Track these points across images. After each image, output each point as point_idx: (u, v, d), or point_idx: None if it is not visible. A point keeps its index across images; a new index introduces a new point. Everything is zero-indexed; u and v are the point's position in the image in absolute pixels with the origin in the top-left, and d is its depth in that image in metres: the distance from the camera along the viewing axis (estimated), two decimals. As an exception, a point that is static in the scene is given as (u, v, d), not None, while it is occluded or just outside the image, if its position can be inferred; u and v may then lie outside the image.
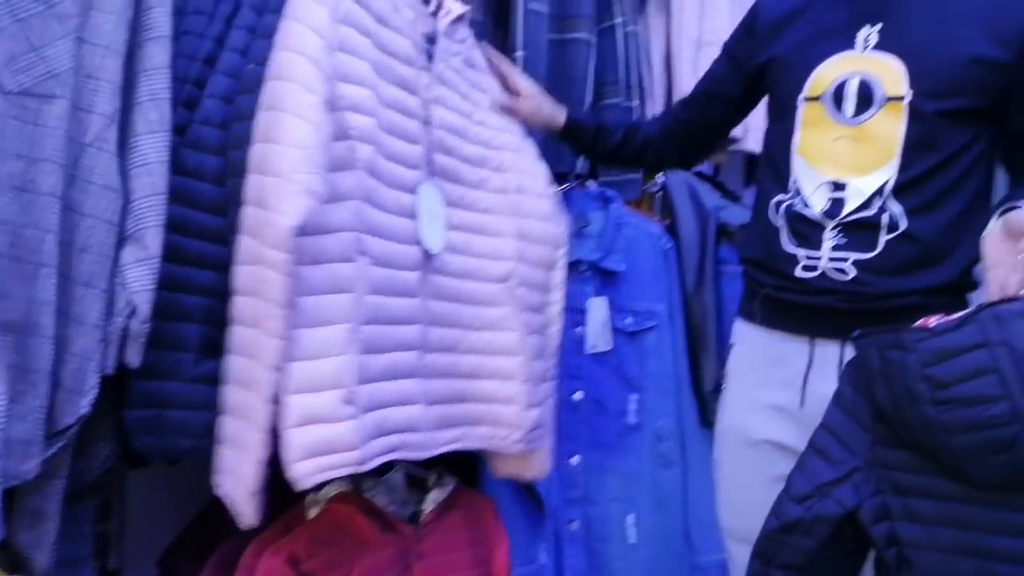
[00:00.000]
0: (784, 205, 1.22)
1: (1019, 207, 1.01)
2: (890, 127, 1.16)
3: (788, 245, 1.20)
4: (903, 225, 1.15)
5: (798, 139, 1.22)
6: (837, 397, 1.06)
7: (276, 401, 0.91)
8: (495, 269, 1.21)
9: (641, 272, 1.73)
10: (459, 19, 1.23)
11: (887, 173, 1.16)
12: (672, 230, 1.79)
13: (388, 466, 1.17)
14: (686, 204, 1.79)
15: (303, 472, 0.92)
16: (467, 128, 1.22)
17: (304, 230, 0.90)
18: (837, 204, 1.18)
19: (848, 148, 1.18)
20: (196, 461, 1.00)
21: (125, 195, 0.93)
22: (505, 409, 1.20)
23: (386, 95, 1.05)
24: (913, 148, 1.15)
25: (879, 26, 1.18)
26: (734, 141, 2.07)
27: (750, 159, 2.43)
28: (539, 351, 1.26)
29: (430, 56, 1.17)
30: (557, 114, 1.40)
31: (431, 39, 1.18)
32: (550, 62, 1.58)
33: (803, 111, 1.23)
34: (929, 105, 1.14)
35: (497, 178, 1.25)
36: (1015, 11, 1.13)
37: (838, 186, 1.18)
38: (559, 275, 1.32)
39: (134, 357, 0.95)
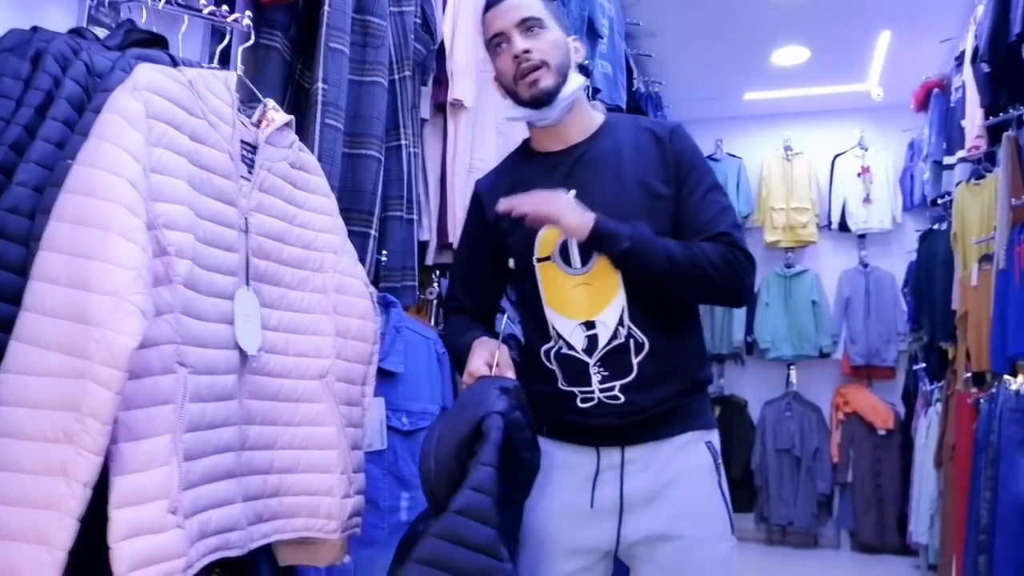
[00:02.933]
0: (553, 351, 1.43)
1: None
2: (611, 267, 1.41)
3: (564, 385, 1.42)
4: (647, 343, 1.41)
5: (544, 294, 1.45)
6: None
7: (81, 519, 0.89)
8: (314, 366, 1.27)
9: (417, 374, 1.84)
10: (285, 125, 1.30)
11: (620, 303, 1.42)
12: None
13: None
14: (458, 313, 1.94)
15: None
16: (288, 231, 1.28)
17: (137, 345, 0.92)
18: (592, 340, 1.42)
19: (585, 292, 1.43)
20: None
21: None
22: (323, 500, 1.26)
23: (204, 209, 1.10)
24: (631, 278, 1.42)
25: (573, 192, 1.44)
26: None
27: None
28: (356, 442, 1.34)
29: (251, 165, 1.22)
30: None
31: (253, 148, 1.24)
32: (343, 174, 1.67)
33: (539, 270, 1.46)
34: None
35: (317, 278, 1.32)
36: (662, 157, 1.46)
37: (589, 325, 1.42)
38: (373, 369, 1.40)
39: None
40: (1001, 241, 3.33)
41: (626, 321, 1.41)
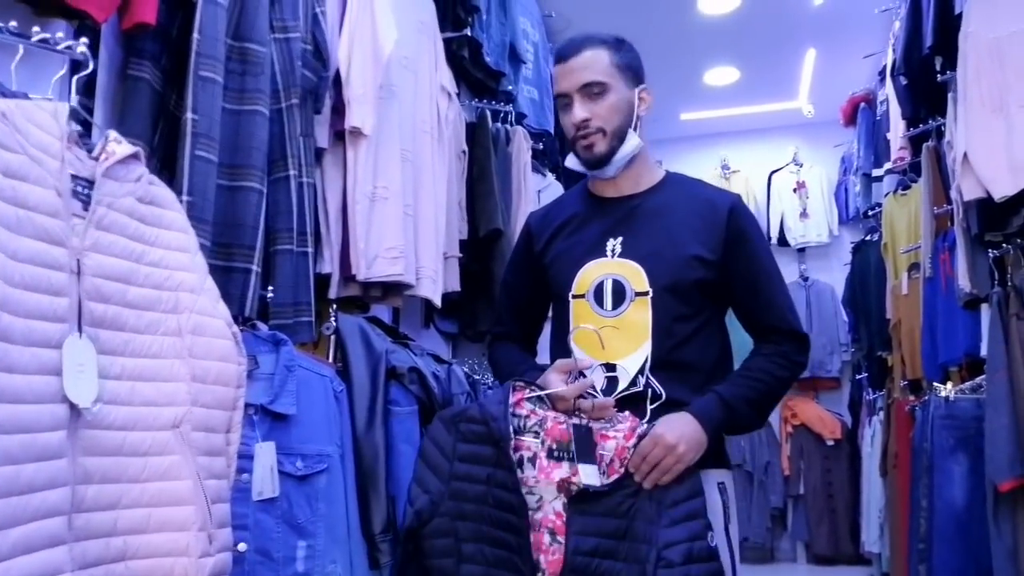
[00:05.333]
0: None
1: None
2: (641, 316, 1.48)
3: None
4: (664, 394, 1.47)
5: (572, 330, 1.52)
6: None
7: None
8: (164, 415, 1.18)
9: (312, 414, 1.74)
10: (131, 157, 1.21)
11: (644, 352, 1.47)
12: (344, 372, 1.84)
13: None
14: (357, 347, 1.86)
15: None
16: (134, 271, 1.19)
17: None
18: (612, 382, 1.48)
19: (612, 335, 1.49)
20: None
21: None
22: (178, 561, 1.15)
23: (21, 251, 1.01)
24: (660, 331, 1.48)
25: (620, 239, 1.54)
26: (409, 287, 2.22)
27: (427, 302, 2.61)
28: (219, 495, 1.23)
29: (88, 202, 1.13)
30: None
31: (91, 183, 1.15)
32: (219, 207, 1.59)
33: (573, 306, 1.55)
34: (666, 297, 1.49)
35: (171, 320, 1.22)
36: (714, 223, 1.54)
37: (610, 367, 1.49)
38: (239, 415, 1.31)
39: None
40: (926, 250, 3.36)
41: (646, 371, 1.48)
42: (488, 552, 1.43)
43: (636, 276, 1.51)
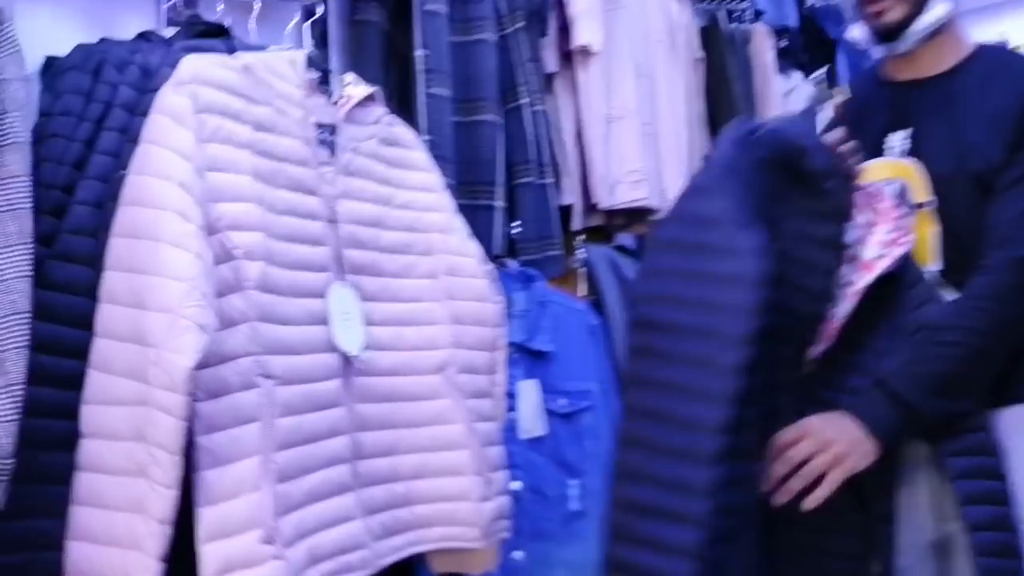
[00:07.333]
0: None
1: None
2: (928, 230, 1.20)
3: None
4: None
5: None
6: None
7: (166, 559, 0.81)
8: (430, 359, 1.15)
9: (569, 351, 1.68)
10: (368, 99, 1.18)
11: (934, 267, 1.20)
12: (598, 305, 1.75)
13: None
14: (609, 278, 1.76)
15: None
16: (385, 215, 1.16)
17: (196, 364, 0.82)
18: None
19: None
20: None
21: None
22: (459, 506, 1.13)
23: (278, 202, 1.00)
24: (949, 248, 1.20)
25: (906, 133, 1.27)
26: (655, 212, 2.08)
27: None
28: (489, 438, 1.19)
29: (334, 148, 1.11)
30: None
31: (334, 129, 1.13)
32: (457, 144, 1.54)
33: None
34: (956, 205, 1.20)
35: (425, 262, 1.19)
36: (1013, 116, 1.20)
37: None
38: (501, 355, 1.26)
39: (-1, 498, 0.83)
40: None
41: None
42: None
43: (920, 181, 1.25)
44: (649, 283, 1.17)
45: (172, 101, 0.91)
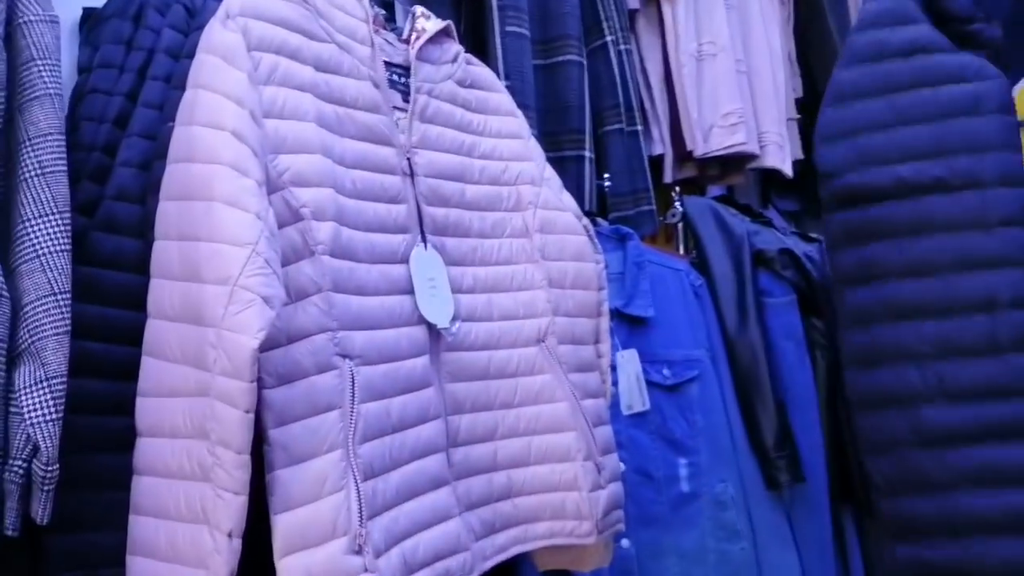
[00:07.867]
0: None
1: None
2: None
3: None
4: None
5: None
6: None
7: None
8: (527, 329, 1.00)
9: (672, 315, 1.50)
10: (441, 35, 1.02)
11: None
12: (701, 264, 1.57)
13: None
14: (713, 233, 1.57)
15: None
16: (469, 166, 1.01)
17: (262, 345, 0.68)
18: None
19: None
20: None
21: (13, 300, 0.71)
22: (568, 496, 0.99)
23: (347, 154, 0.85)
24: None
25: None
26: (754, 158, 1.88)
27: (764, 176, 2.24)
28: (599, 416, 1.04)
29: (407, 91, 0.96)
30: None
31: (406, 70, 0.98)
32: (539, 90, 1.37)
33: None
34: None
35: (515, 218, 1.04)
36: None
37: None
38: (605, 322, 1.10)
39: (41, 510, 0.73)
40: None
41: None
42: None
43: None
44: None
45: (221, 38, 0.77)
